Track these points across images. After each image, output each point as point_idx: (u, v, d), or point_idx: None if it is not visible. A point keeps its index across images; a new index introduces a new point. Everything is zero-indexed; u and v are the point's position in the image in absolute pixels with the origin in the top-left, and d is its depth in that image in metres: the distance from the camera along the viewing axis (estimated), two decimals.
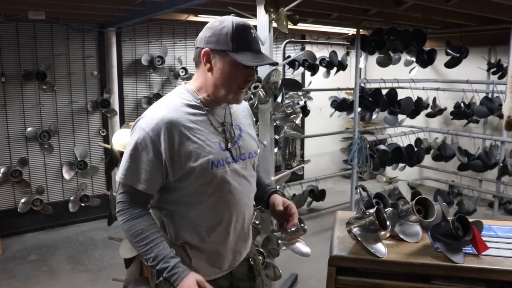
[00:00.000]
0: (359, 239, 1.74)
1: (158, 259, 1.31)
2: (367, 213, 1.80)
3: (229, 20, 1.34)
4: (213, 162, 1.38)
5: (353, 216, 1.89)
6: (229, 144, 1.45)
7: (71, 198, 4.75)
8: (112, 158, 2.66)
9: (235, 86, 1.39)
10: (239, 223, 1.50)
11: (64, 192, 4.80)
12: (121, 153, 2.56)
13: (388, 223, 1.76)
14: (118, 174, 1.38)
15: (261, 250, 2.52)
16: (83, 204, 4.77)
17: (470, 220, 1.75)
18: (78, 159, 4.74)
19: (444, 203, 1.85)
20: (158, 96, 5.07)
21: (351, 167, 4.30)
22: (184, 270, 1.32)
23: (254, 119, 1.67)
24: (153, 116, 1.35)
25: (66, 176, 4.72)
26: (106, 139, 4.81)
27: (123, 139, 2.51)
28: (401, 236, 1.83)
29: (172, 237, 1.45)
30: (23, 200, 4.47)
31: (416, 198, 1.84)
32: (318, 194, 5.05)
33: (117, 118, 4.89)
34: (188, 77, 5.18)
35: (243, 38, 1.34)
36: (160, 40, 5.14)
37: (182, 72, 5.15)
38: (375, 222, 1.70)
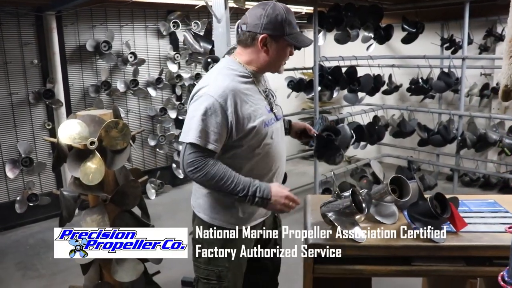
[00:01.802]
0: (336, 224, 1.64)
1: (247, 187, 1.56)
2: (343, 196, 1.70)
3: (279, 7, 1.57)
4: (265, 122, 1.65)
5: (327, 200, 1.79)
6: (273, 107, 1.73)
7: (18, 198, 4.39)
8: (59, 153, 2.39)
9: (283, 61, 1.68)
10: (280, 173, 1.78)
11: (9, 192, 4.43)
12: (70, 147, 2.31)
13: (364, 205, 1.67)
14: (189, 136, 1.55)
15: None
16: (31, 204, 4.42)
17: (447, 196, 1.69)
18: (23, 155, 4.37)
19: (419, 181, 1.79)
20: (106, 83, 4.76)
21: (312, 148, 4.22)
22: (267, 185, 1.60)
23: None
24: (219, 85, 1.58)
25: (10, 174, 4.35)
26: (53, 132, 4.46)
27: (70, 132, 2.26)
28: (378, 218, 1.76)
29: None
30: None
31: (391, 178, 1.76)
32: None
33: (63, 109, 4.54)
34: (138, 63, 4.91)
35: (292, 23, 1.60)
36: (105, 24, 4.80)
37: (131, 57, 4.84)
38: (351, 205, 1.61)
